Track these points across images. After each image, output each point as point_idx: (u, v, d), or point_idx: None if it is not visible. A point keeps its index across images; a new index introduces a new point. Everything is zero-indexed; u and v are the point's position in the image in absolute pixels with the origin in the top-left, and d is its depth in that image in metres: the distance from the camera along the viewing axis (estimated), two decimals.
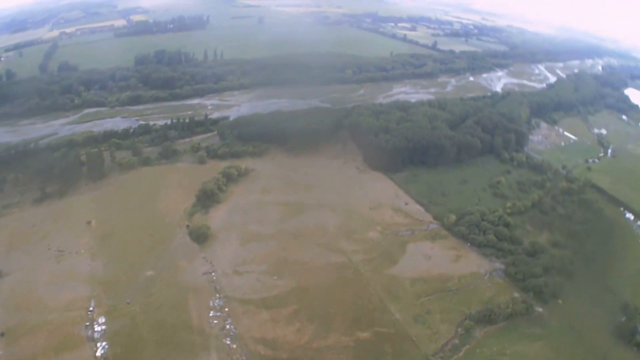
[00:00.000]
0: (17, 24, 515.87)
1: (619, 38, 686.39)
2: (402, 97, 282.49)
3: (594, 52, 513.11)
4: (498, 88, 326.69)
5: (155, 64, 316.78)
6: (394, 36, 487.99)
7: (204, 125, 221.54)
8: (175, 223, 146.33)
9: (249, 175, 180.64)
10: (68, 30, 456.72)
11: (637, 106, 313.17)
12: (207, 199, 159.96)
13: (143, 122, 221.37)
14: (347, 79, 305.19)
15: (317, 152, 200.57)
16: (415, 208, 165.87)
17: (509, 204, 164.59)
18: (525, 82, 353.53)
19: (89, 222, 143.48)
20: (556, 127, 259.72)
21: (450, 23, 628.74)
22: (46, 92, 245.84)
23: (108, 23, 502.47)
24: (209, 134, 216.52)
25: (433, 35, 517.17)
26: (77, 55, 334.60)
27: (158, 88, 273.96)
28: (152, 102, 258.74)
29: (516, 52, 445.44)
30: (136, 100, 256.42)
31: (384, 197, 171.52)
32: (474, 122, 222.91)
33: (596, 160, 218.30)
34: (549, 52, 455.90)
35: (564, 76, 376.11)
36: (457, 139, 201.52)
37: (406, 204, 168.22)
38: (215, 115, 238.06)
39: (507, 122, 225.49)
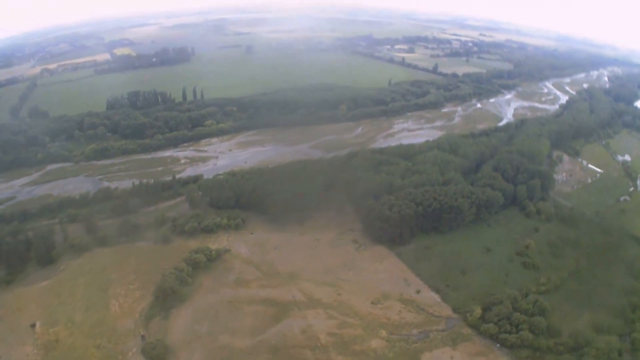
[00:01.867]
0: (2, 59, 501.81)
1: (616, 44, 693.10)
2: (404, 136, 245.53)
3: (597, 62, 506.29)
4: (509, 115, 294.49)
5: (127, 107, 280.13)
6: (391, 60, 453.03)
7: (173, 188, 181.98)
8: (129, 331, 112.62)
9: (221, 260, 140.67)
10: (50, 67, 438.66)
11: None
12: (167, 298, 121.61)
13: (104, 185, 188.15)
14: (341, 116, 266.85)
15: (306, 222, 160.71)
16: (429, 296, 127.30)
17: (543, 280, 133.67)
18: (536, 104, 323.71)
19: (32, 325, 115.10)
20: (579, 159, 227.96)
21: (448, 42, 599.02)
22: (11, 145, 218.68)
23: (91, 58, 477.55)
24: (178, 199, 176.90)
25: (432, 56, 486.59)
26: (52, 96, 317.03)
27: (128, 137, 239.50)
28: (120, 155, 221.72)
29: (521, 70, 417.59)
30: (102, 154, 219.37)
31: (389, 283, 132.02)
32: (492, 168, 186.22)
33: (627, 199, 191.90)
34: (554, 67, 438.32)
35: (574, 93, 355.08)
36: (476, 195, 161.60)
37: (418, 291, 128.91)
38: (187, 172, 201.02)
39: (529, 163, 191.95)
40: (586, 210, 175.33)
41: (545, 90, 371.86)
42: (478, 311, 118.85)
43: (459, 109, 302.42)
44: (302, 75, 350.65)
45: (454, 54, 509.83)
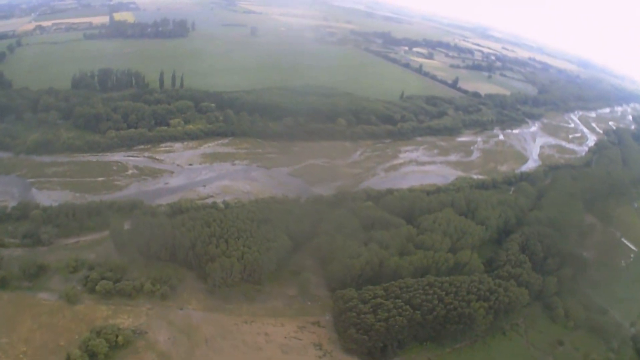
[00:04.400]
0: (5, 9, 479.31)
1: (635, 77, 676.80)
2: (411, 171, 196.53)
3: (621, 97, 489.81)
4: (535, 155, 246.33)
5: (93, 87, 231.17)
6: (407, 65, 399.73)
7: (102, 215, 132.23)
8: None
9: (130, 349, 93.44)
10: (45, 24, 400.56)
11: None
12: None
13: (31, 195, 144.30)
14: (337, 132, 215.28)
15: (257, 299, 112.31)
16: None
17: None
18: (563, 143, 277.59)
19: None
20: (612, 230, 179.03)
21: (470, 51, 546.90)
22: None
23: (88, 20, 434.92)
24: (105, 233, 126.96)
25: (452, 66, 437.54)
26: (26, 61, 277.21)
27: (80, 127, 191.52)
28: (64, 151, 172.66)
29: (547, 98, 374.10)
30: (45, 148, 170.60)
31: None
32: (518, 247, 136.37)
33: None
34: (579, 98, 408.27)
35: (601, 132, 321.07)
36: (497, 295, 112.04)
37: None
38: (130, 189, 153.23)
39: (561, 240, 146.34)
40: (618, 313, 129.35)
41: (572, 125, 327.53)
42: None
43: (479, 139, 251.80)
44: (302, 71, 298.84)
45: (476, 66, 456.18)
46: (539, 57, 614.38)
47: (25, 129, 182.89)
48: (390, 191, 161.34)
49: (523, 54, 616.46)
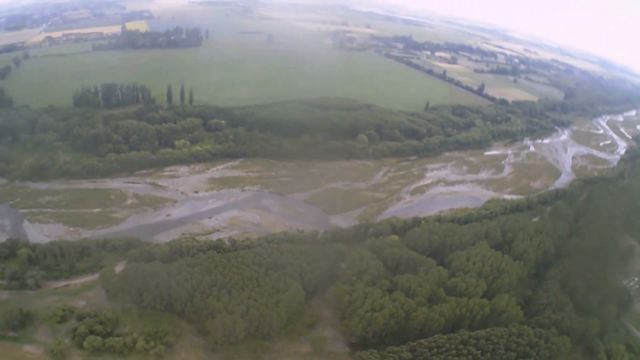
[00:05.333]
0: (18, 19, 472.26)
1: None
2: (439, 193, 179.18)
3: None
4: (568, 167, 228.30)
5: (97, 103, 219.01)
6: (430, 71, 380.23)
7: (92, 255, 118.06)
8: None
9: None
10: (54, 35, 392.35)
11: None
12: None
13: (22, 229, 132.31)
14: (359, 150, 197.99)
15: (266, 356, 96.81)
16: None
17: None
18: (594, 152, 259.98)
19: None
20: None
21: (493, 54, 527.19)
22: None
23: (99, 30, 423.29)
24: (96, 277, 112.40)
25: (476, 71, 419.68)
26: (30, 75, 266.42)
27: (79, 149, 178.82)
28: (60, 177, 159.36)
29: (574, 103, 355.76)
30: (40, 174, 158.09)
31: None
32: (559, 284, 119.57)
33: None
34: (606, 102, 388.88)
35: (630, 137, 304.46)
36: (538, 348, 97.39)
37: None
38: (128, 223, 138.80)
39: (604, 273, 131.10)
40: None
41: (601, 132, 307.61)
42: None
43: (510, 152, 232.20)
44: (320, 81, 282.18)
45: (500, 70, 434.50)
46: (560, 58, 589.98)
47: (22, 152, 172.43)
48: (417, 221, 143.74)
49: (545, 56, 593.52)
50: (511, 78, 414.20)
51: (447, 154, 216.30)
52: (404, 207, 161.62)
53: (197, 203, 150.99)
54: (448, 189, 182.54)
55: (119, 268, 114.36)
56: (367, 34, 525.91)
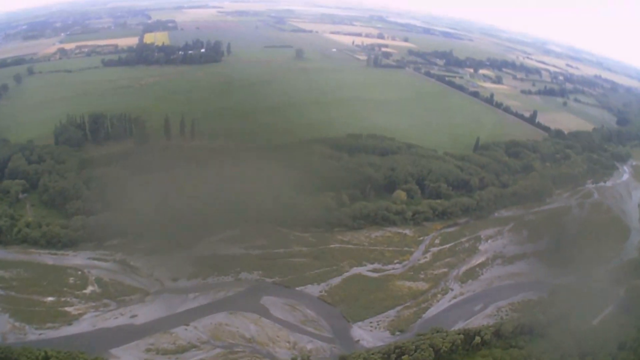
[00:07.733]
0: (39, 27, 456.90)
1: None
2: (497, 276, 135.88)
3: None
4: (635, 220, 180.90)
5: (78, 141, 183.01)
6: (476, 94, 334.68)
7: None
8: None
9: None
10: (67, 47, 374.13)
11: None
12: None
13: None
14: (395, 214, 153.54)
15: None
16: None
17: None
18: None
19: None
20: None
21: (537, 71, 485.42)
22: None
23: (114, 42, 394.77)
24: None
25: (523, 92, 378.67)
26: (25, 97, 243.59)
27: (46, 206, 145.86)
28: (19, 244, 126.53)
29: (630, 131, 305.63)
30: None
31: None
32: None
33: None
34: None
35: None
36: None
37: None
38: (80, 325, 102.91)
39: None
40: None
41: None
42: None
43: (573, 204, 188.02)
44: (350, 110, 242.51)
45: (548, 91, 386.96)
46: (602, 73, 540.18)
47: None
48: (468, 335, 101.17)
49: (587, 71, 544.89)
50: (560, 100, 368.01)
51: (504, 211, 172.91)
52: (451, 307, 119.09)
53: (174, 298, 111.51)
54: (507, 269, 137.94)
55: None
56: (405, 48, 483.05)
